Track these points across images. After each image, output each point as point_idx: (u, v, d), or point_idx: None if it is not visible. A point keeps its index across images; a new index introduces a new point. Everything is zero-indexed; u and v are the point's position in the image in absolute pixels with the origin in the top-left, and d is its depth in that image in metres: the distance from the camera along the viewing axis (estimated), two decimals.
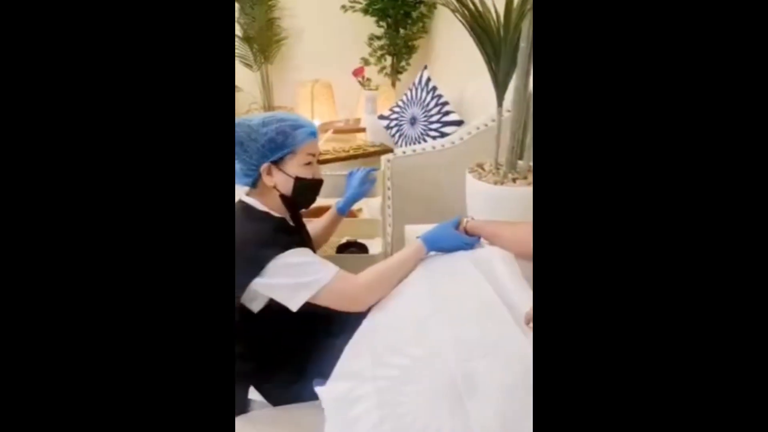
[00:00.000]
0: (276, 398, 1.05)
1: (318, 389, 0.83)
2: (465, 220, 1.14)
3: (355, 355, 0.86)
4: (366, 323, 0.95)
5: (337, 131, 2.60)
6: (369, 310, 1.00)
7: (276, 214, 1.07)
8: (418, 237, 1.09)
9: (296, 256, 0.98)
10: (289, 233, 1.07)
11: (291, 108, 4.15)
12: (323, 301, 0.98)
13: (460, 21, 1.39)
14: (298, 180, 1.06)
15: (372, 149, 1.71)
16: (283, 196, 1.07)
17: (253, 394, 1.07)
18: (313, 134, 1.06)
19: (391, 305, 0.97)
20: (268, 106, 4.29)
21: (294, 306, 0.96)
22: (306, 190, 1.09)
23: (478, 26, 1.37)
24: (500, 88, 1.44)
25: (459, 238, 1.09)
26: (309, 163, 1.07)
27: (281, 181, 1.05)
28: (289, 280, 0.96)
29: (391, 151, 1.72)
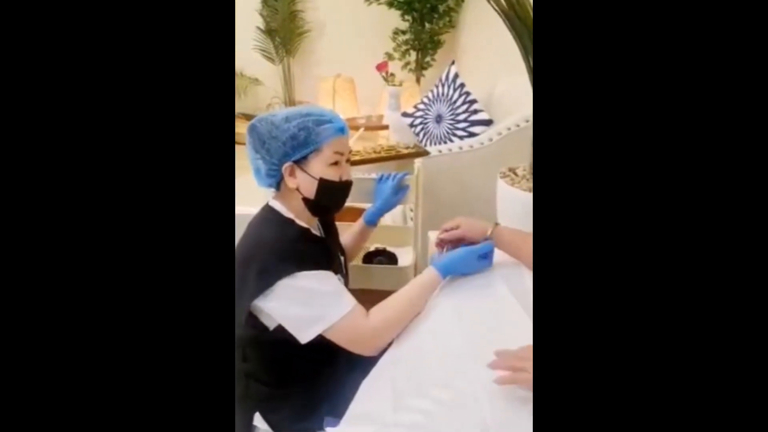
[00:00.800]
0: (283, 430, 0.95)
1: (329, 431, 0.72)
2: (494, 228, 0.99)
3: (373, 394, 0.75)
4: (387, 355, 0.84)
5: (357, 128, 2.49)
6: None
7: (300, 222, 0.96)
8: (431, 264, 0.96)
9: (311, 279, 0.86)
10: (312, 246, 0.95)
11: (312, 103, 4.07)
12: (332, 338, 0.87)
13: (495, 10, 1.26)
14: (322, 182, 0.92)
15: (406, 151, 1.54)
16: (306, 200, 0.95)
17: (258, 420, 0.97)
18: (342, 130, 0.93)
19: (415, 336, 0.85)
20: (290, 101, 4.21)
21: (303, 339, 0.86)
22: (331, 194, 0.96)
23: (516, 16, 1.24)
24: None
25: (479, 263, 0.96)
26: (336, 163, 0.93)
27: (304, 182, 0.93)
28: (297, 310, 0.86)
29: (426, 153, 1.56)
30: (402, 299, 0.91)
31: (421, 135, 2.36)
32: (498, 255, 0.97)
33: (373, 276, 1.42)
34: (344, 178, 0.97)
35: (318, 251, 0.94)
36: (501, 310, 0.81)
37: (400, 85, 2.89)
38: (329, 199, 0.97)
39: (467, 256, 0.95)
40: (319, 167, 0.93)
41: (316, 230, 1.02)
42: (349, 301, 0.88)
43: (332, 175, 0.94)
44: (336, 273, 0.95)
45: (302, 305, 0.85)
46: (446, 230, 1.04)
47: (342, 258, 1.10)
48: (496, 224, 1.01)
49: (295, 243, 0.90)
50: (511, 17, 1.25)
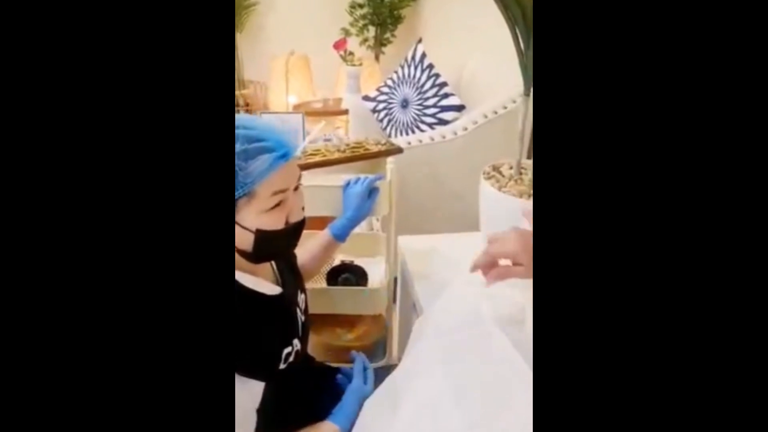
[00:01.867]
0: None
1: None
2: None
3: None
4: None
5: (316, 115, 2.23)
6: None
7: (242, 277, 0.71)
8: (329, 418, 0.81)
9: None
10: (248, 321, 0.70)
11: (263, 84, 3.76)
12: None
13: None
14: (260, 234, 0.68)
15: (376, 149, 1.28)
16: (242, 252, 0.71)
17: None
18: (285, 156, 0.68)
19: (406, 413, 0.65)
20: (239, 81, 3.88)
21: None
22: (275, 244, 0.72)
23: None
24: (529, 71, 1.11)
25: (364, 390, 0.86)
26: (278, 205, 0.69)
27: (237, 234, 0.69)
28: None
29: (400, 151, 1.32)
30: None
31: (385, 122, 2.14)
32: (502, 304, 0.77)
33: (339, 299, 1.20)
34: (292, 220, 0.72)
35: (255, 328, 0.70)
36: (516, 385, 0.62)
37: (360, 64, 2.63)
38: (272, 249, 0.74)
39: (355, 403, 0.82)
40: (254, 215, 0.68)
41: (268, 280, 0.78)
42: None
43: (273, 222, 0.69)
44: (287, 343, 0.75)
45: None
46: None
47: (301, 299, 0.87)
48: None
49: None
50: None
